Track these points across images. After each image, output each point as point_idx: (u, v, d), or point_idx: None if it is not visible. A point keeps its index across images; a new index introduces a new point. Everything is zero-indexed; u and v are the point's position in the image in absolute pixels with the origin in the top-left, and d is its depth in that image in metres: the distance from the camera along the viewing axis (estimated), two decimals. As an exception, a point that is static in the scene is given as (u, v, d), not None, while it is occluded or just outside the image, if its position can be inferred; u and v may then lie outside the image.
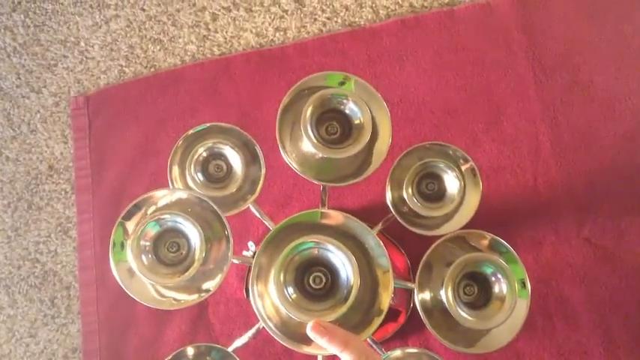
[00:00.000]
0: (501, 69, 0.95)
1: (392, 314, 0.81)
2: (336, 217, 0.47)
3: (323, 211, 0.47)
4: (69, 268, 0.94)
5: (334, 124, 0.52)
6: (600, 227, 0.88)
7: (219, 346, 0.61)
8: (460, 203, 0.60)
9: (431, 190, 0.62)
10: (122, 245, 0.52)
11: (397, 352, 0.59)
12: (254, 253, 0.87)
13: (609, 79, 0.93)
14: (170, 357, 0.62)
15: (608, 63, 0.94)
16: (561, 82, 0.93)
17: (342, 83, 0.52)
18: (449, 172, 0.60)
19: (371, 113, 0.50)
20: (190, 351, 0.62)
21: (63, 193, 0.97)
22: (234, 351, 0.61)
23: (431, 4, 0.99)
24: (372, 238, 0.46)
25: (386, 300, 0.47)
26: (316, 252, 0.45)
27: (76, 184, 0.97)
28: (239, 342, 0.65)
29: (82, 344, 0.91)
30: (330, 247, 0.44)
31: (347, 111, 0.51)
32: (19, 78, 1.02)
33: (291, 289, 0.45)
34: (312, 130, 0.50)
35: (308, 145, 0.52)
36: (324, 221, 0.47)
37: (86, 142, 0.99)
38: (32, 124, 1.01)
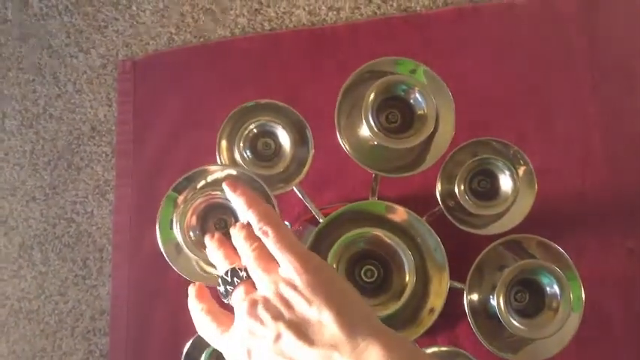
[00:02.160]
0: (558, 68, 0.92)
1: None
2: (400, 214, 0.45)
3: (387, 204, 0.46)
4: (103, 231, 0.95)
5: (395, 113, 0.50)
6: (647, 239, 0.85)
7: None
8: (512, 204, 0.58)
9: (483, 187, 0.60)
10: (170, 222, 0.51)
11: (433, 349, 0.58)
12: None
13: (667, 90, 0.90)
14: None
15: (668, 73, 0.91)
16: (618, 87, 0.90)
17: (412, 71, 0.51)
18: (505, 171, 0.58)
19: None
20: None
21: (103, 155, 0.97)
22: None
23: (490, -5, 0.96)
24: (431, 238, 0.45)
25: (439, 299, 0.46)
26: (372, 245, 0.44)
27: (117, 148, 0.97)
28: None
29: (110, 307, 0.92)
30: (390, 242, 0.43)
31: (411, 100, 0.49)
32: (69, 37, 1.02)
33: None
34: (372, 116, 0.48)
35: (365, 130, 0.50)
36: (387, 215, 0.46)
37: (130, 106, 0.98)
38: (78, 84, 1.00)
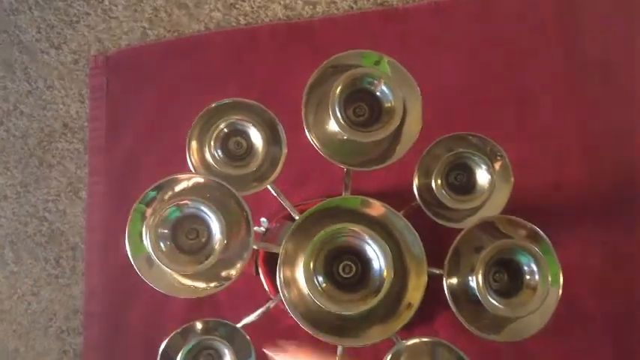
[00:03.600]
0: (537, 63, 0.92)
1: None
2: (376, 208, 0.45)
3: (363, 198, 0.45)
4: (76, 229, 0.93)
5: (363, 106, 0.49)
6: (622, 233, 0.86)
7: (228, 322, 0.60)
8: (488, 198, 0.58)
9: (459, 181, 0.60)
10: (140, 235, 0.50)
11: (414, 340, 0.58)
12: (266, 230, 0.85)
13: (645, 82, 0.91)
14: (179, 330, 0.61)
15: (645, 65, 0.91)
16: (596, 81, 0.91)
17: (376, 63, 0.50)
18: (482, 165, 0.58)
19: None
20: (199, 326, 0.61)
21: (76, 152, 0.96)
22: (242, 327, 0.60)
23: (467, -11, 0.96)
24: (408, 232, 0.44)
25: (417, 293, 0.46)
26: (350, 240, 0.43)
27: (89, 145, 0.95)
28: (248, 319, 0.64)
29: (84, 306, 0.90)
30: (367, 237, 0.42)
31: (378, 93, 0.49)
32: (40, 32, 1.00)
33: (321, 278, 0.44)
34: (339, 111, 0.47)
35: (334, 125, 0.49)
36: (363, 209, 0.45)
37: (103, 102, 0.97)
38: (49, 80, 0.98)
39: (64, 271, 0.92)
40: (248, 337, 0.61)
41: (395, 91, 0.48)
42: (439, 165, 0.59)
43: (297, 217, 0.53)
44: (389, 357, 0.58)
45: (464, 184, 0.60)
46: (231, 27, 0.98)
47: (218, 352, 0.61)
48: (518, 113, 0.90)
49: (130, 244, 0.49)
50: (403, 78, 0.50)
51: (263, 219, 0.87)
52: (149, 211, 0.50)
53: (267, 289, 0.85)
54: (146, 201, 0.50)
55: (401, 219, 0.45)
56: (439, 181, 0.59)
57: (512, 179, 0.60)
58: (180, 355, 0.60)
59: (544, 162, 0.88)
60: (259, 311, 0.65)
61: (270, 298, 0.67)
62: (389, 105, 0.48)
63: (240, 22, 0.98)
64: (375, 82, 0.48)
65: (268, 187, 0.63)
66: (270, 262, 0.85)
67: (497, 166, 0.59)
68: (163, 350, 0.61)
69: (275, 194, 0.65)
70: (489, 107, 0.91)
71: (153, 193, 0.50)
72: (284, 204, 0.66)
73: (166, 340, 0.61)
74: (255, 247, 0.54)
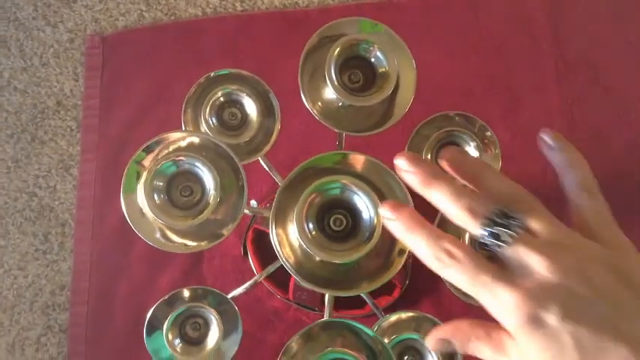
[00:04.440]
0: (523, 58, 0.94)
1: (387, 287, 0.81)
2: (359, 160, 0.46)
3: (345, 152, 0.46)
4: (66, 206, 0.93)
5: (357, 72, 0.51)
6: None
7: (217, 290, 0.61)
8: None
9: (449, 160, 0.61)
10: (134, 190, 0.50)
11: (399, 314, 0.59)
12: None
13: (629, 82, 0.93)
14: (166, 297, 0.61)
15: (630, 65, 0.93)
16: (581, 79, 0.93)
17: (372, 29, 0.52)
18: (470, 142, 0.59)
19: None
20: (187, 293, 0.62)
21: (68, 130, 0.96)
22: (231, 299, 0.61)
23: (460, -15, 0.98)
24: (393, 180, 0.45)
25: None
26: (338, 193, 0.45)
27: (82, 123, 0.96)
28: (236, 292, 0.64)
29: (71, 282, 0.91)
30: (355, 188, 0.44)
31: (372, 59, 0.50)
32: (37, 10, 1.01)
33: (312, 226, 0.45)
34: (335, 74, 0.49)
35: (329, 93, 0.51)
36: (348, 164, 0.46)
37: (97, 81, 0.97)
38: (44, 57, 0.99)
39: (52, 247, 0.92)
40: (236, 307, 0.61)
41: (389, 57, 0.49)
42: (428, 144, 0.61)
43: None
44: (375, 328, 0.59)
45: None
46: (228, 13, 0.99)
47: (205, 320, 0.62)
48: (506, 108, 0.92)
49: (124, 198, 0.49)
50: (397, 45, 0.51)
51: (253, 201, 0.88)
52: (145, 163, 0.51)
53: (255, 270, 0.86)
54: (142, 157, 0.51)
55: (384, 168, 0.46)
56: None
57: (499, 151, 0.62)
58: (167, 321, 0.61)
59: (530, 156, 0.90)
60: (247, 284, 0.66)
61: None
62: (383, 70, 0.49)
63: (237, 9, 1.00)
64: (370, 48, 0.49)
65: (260, 160, 0.65)
66: (258, 243, 0.86)
67: (485, 142, 0.61)
68: (150, 318, 0.62)
69: (267, 168, 0.67)
70: (477, 102, 0.93)
71: (148, 149, 0.51)
72: (275, 178, 0.68)
73: (153, 308, 0.61)
74: (246, 211, 0.55)
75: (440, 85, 0.93)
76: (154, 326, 0.62)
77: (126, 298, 0.90)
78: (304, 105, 0.53)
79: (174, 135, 0.52)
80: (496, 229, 0.38)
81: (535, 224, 0.39)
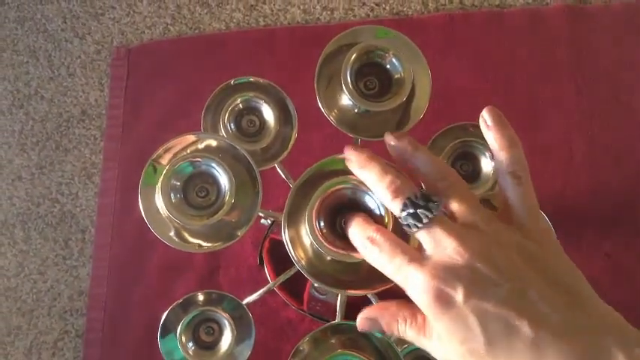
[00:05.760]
0: (544, 76, 0.94)
1: (399, 289, 0.80)
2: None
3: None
4: (87, 213, 0.95)
5: (373, 79, 0.51)
6: (623, 245, 0.87)
7: (231, 295, 0.61)
8: (493, 186, 0.60)
9: (465, 171, 0.61)
10: (152, 190, 0.51)
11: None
12: (272, 222, 0.87)
13: (649, 102, 0.92)
14: (181, 300, 0.62)
15: (651, 86, 0.93)
16: (601, 98, 0.93)
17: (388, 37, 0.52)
18: (486, 153, 0.59)
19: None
20: (201, 297, 0.62)
21: (92, 139, 0.98)
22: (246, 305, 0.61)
23: (481, 3, 0.99)
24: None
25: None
26: (349, 194, 0.45)
27: (106, 132, 0.98)
28: (251, 298, 0.65)
29: (89, 288, 0.92)
30: (366, 188, 0.44)
31: (388, 65, 0.51)
32: (65, 22, 1.03)
33: (322, 225, 0.45)
34: (351, 80, 0.49)
35: (345, 100, 0.51)
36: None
37: (122, 92, 0.99)
38: (72, 68, 1.01)
39: (72, 253, 0.94)
40: (250, 314, 0.61)
41: (404, 63, 0.50)
42: (444, 154, 0.61)
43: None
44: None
45: (469, 174, 0.62)
46: (251, 27, 1.01)
47: (219, 324, 0.62)
48: (526, 124, 0.92)
49: (141, 197, 0.50)
50: (412, 52, 0.52)
51: (263, 220, 0.88)
52: (163, 164, 0.52)
53: (270, 280, 0.87)
54: (160, 157, 0.51)
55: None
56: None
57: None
58: (181, 324, 0.61)
59: (549, 171, 0.90)
60: (262, 290, 0.66)
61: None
62: (398, 76, 0.50)
63: (260, 24, 1.01)
64: (385, 54, 0.50)
65: (276, 166, 0.65)
66: (274, 253, 0.86)
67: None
68: (164, 320, 0.62)
69: (283, 175, 0.67)
70: (497, 117, 0.92)
71: (169, 148, 0.52)
72: (288, 181, 0.68)
73: (168, 311, 0.62)
74: (261, 213, 0.55)
75: (459, 100, 0.93)
76: (168, 329, 0.62)
77: (142, 305, 0.90)
78: (324, 119, 0.53)
79: (193, 137, 0.53)
80: (415, 210, 0.39)
81: (455, 206, 0.40)
